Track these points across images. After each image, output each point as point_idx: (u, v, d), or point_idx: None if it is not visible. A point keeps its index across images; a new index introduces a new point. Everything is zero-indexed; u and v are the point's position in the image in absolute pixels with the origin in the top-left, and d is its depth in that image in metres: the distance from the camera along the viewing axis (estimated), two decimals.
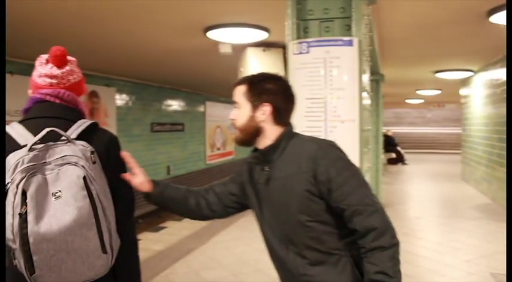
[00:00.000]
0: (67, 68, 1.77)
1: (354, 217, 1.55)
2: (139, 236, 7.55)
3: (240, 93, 1.76)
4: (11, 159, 1.44)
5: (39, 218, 1.39)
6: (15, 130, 1.60)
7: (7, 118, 6.39)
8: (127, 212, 1.65)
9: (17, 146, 1.50)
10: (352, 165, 1.66)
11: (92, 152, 1.49)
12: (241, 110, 1.75)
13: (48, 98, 1.68)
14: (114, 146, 1.65)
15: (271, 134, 1.72)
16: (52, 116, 1.63)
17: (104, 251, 1.46)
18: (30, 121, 1.64)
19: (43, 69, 1.74)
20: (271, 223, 1.75)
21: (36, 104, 1.69)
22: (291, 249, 1.68)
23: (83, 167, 1.43)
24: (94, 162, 1.48)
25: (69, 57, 1.79)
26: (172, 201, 1.88)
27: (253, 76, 1.79)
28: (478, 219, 7.15)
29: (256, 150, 1.79)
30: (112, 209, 1.53)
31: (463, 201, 8.95)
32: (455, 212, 7.89)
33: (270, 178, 1.71)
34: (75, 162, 1.43)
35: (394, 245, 1.54)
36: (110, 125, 9.02)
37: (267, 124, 1.72)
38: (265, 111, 1.70)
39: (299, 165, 1.62)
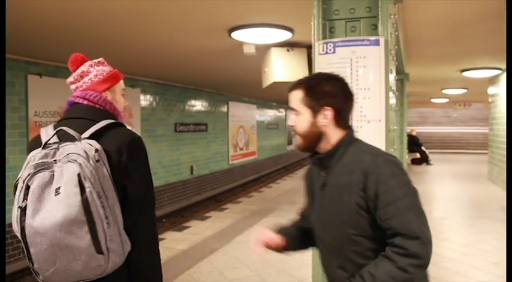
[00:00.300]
0: (78, 70, 1.87)
1: (393, 238, 1.47)
2: (163, 236, 7.62)
3: (296, 99, 1.66)
4: (28, 157, 1.56)
5: (36, 212, 1.48)
6: (46, 130, 1.69)
7: (36, 119, 6.54)
8: (137, 214, 1.62)
9: (40, 145, 1.59)
10: (407, 185, 1.54)
11: (96, 150, 1.51)
12: (300, 117, 1.66)
13: (77, 100, 1.78)
14: (128, 147, 1.62)
15: (332, 138, 1.65)
16: (77, 116, 1.71)
17: (99, 251, 1.47)
18: (61, 122, 1.73)
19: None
20: (320, 229, 1.72)
21: (69, 106, 1.80)
22: (334, 258, 1.65)
23: (80, 164, 1.46)
24: (97, 161, 1.50)
25: (91, 61, 1.92)
26: (299, 245, 1.93)
27: (309, 79, 1.70)
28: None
29: (314, 154, 1.71)
30: (118, 209, 1.54)
31: (491, 202, 8.77)
32: (482, 213, 7.74)
33: (325, 184, 1.66)
34: (75, 160, 1.47)
35: (410, 274, 1.44)
36: (135, 126, 9.14)
37: (328, 128, 1.64)
38: (326, 115, 1.63)
39: (351, 176, 1.56)
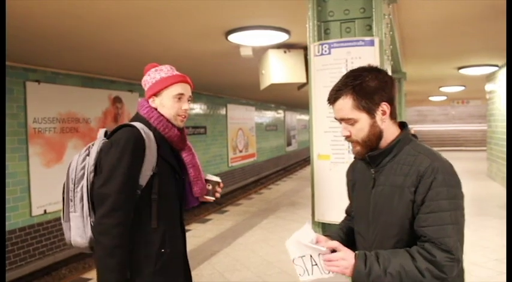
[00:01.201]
0: (143, 78, 2.15)
1: (425, 243, 1.44)
2: None
3: (347, 107, 1.54)
4: None
5: None
6: None
7: (35, 125, 6.57)
8: (95, 205, 1.88)
9: None
10: (457, 199, 1.47)
11: (89, 147, 1.99)
12: (358, 124, 1.54)
13: None
14: (112, 142, 1.92)
15: (389, 133, 1.58)
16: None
17: (64, 219, 1.96)
18: None
19: None
20: (363, 227, 1.67)
21: None
22: None
23: (82, 158, 1.96)
24: (88, 155, 1.95)
25: (151, 70, 2.13)
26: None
27: (349, 81, 1.55)
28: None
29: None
30: (85, 195, 1.90)
31: (490, 199, 8.79)
32: (482, 210, 7.76)
33: (374, 182, 1.60)
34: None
35: (423, 278, 1.41)
36: None
37: (386, 123, 1.56)
38: (384, 110, 1.54)
39: (405, 179, 1.50)
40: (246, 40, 5.18)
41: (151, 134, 2.00)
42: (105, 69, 7.49)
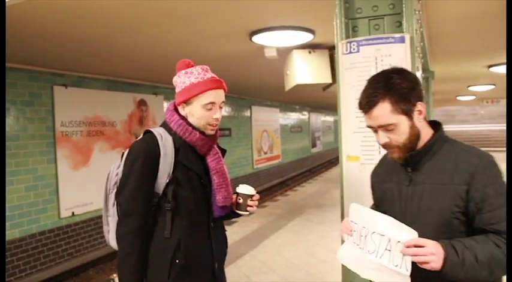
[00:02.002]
0: (174, 77, 2.03)
1: (497, 232, 1.42)
2: None
3: (385, 113, 1.50)
4: None
5: None
6: None
7: (63, 129, 6.67)
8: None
9: None
10: (505, 187, 1.48)
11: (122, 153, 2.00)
12: (398, 129, 1.51)
13: None
14: (126, 154, 1.96)
15: (424, 133, 1.56)
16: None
17: (104, 222, 2.03)
18: None
19: None
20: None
21: None
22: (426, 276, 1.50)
23: (117, 165, 2.02)
24: (119, 166, 1.99)
25: (181, 71, 2.00)
26: None
27: (380, 87, 1.51)
28: None
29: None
30: (111, 201, 1.98)
31: None
32: None
33: (412, 181, 1.58)
34: None
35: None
36: None
37: (421, 124, 1.56)
38: (420, 110, 1.53)
39: (452, 176, 1.48)
40: (270, 41, 5.14)
41: (170, 139, 1.94)
42: (130, 72, 7.55)
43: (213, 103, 1.93)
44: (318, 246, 6.08)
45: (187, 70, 1.98)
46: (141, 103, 8.69)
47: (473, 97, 17.77)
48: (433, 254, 1.37)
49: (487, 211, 1.43)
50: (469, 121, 28.33)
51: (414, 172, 1.57)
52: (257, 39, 5.05)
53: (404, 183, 1.60)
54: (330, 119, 25.38)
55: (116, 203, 1.94)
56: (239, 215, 2.12)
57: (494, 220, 1.42)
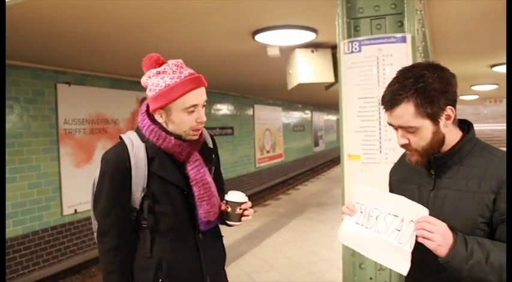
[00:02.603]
0: (143, 77, 1.78)
1: None
2: None
3: (409, 115, 1.37)
4: None
5: None
6: None
7: (66, 127, 6.68)
8: None
9: None
10: (507, 179, 1.35)
11: None
12: (420, 132, 1.39)
13: None
14: None
15: (451, 136, 1.44)
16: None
17: None
18: None
19: None
20: None
21: None
22: (430, 268, 1.44)
23: None
24: None
25: (151, 70, 1.74)
26: None
27: (410, 84, 1.36)
28: None
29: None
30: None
31: None
32: None
33: (435, 185, 1.46)
34: None
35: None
36: None
37: (448, 128, 1.42)
38: (449, 115, 1.39)
39: (479, 184, 1.36)
40: (273, 40, 5.14)
41: (142, 147, 1.73)
42: (133, 70, 7.54)
43: (195, 105, 1.69)
44: (320, 245, 6.09)
45: (159, 70, 1.69)
46: (143, 101, 8.70)
47: (476, 97, 17.72)
48: (440, 234, 1.29)
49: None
50: (472, 120, 28.17)
51: (438, 175, 1.45)
52: (260, 38, 5.06)
53: (427, 187, 1.48)
54: (332, 118, 25.35)
55: None
56: (230, 225, 1.90)
57: None
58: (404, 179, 1.60)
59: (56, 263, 6.79)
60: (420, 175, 1.51)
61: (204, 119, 1.74)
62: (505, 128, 24.50)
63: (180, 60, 1.73)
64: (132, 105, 8.38)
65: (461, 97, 17.83)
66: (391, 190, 1.68)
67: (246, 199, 1.82)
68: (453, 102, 1.41)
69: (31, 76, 6.42)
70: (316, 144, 21.72)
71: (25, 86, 6.34)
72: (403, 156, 1.65)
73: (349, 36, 2.58)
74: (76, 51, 5.64)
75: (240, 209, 1.80)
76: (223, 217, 1.85)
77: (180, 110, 1.68)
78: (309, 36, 5.05)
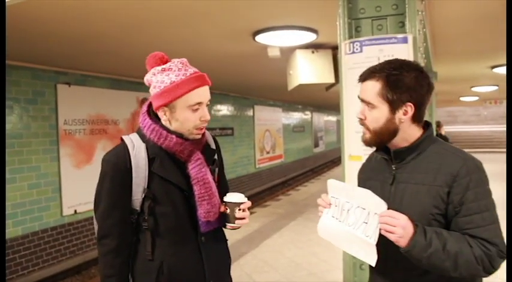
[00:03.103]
0: (146, 75, 1.75)
1: (477, 237, 1.40)
2: None
3: (372, 91, 1.49)
4: None
5: None
6: None
7: (66, 127, 6.67)
8: None
9: None
10: (491, 197, 1.46)
11: None
12: (375, 111, 1.50)
13: None
14: None
15: (408, 135, 1.52)
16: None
17: None
18: None
19: None
20: None
21: None
22: (393, 259, 1.52)
23: None
24: None
25: (157, 68, 1.71)
26: None
27: (387, 68, 1.49)
28: None
29: (380, 149, 1.60)
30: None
31: None
32: None
33: (395, 179, 1.55)
34: None
35: (478, 265, 1.38)
36: None
37: (405, 124, 1.50)
38: (407, 111, 1.48)
39: (434, 178, 1.45)
40: (274, 40, 5.14)
41: (143, 147, 1.72)
42: (133, 71, 7.56)
43: (200, 103, 1.68)
44: (320, 245, 6.08)
45: (164, 66, 1.68)
46: (144, 102, 8.69)
47: (477, 98, 17.73)
48: (401, 227, 1.37)
49: (463, 215, 1.41)
50: (472, 122, 28.25)
51: (398, 171, 1.55)
52: (260, 38, 5.06)
53: (388, 182, 1.57)
54: (332, 119, 25.36)
55: None
56: (230, 228, 1.85)
57: (470, 225, 1.40)
58: (369, 177, 1.70)
59: (56, 263, 6.78)
60: (383, 172, 1.61)
61: (208, 117, 1.73)
62: (505, 129, 24.53)
63: (184, 59, 1.72)
64: (132, 106, 8.37)
65: (461, 98, 17.86)
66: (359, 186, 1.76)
67: (244, 200, 1.79)
68: (416, 102, 1.48)
69: (31, 76, 6.42)
70: (316, 145, 21.72)
71: (25, 86, 6.34)
72: (371, 155, 1.78)
73: (350, 37, 2.58)
74: (76, 51, 5.64)
75: (239, 209, 1.77)
76: (224, 220, 1.82)
77: (184, 107, 1.67)
78: (310, 37, 5.05)
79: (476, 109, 27.52)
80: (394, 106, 1.48)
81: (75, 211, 7.03)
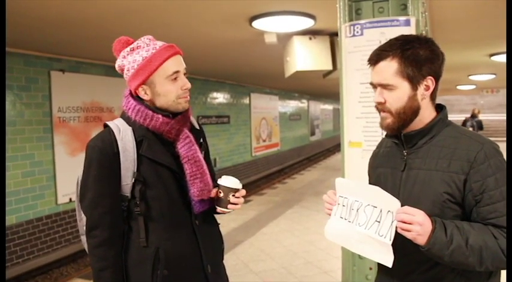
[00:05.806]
0: (117, 62, 1.75)
1: (494, 230, 1.31)
2: None
3: (389, 71, 1.39)
4: None
5: None
6: None
7: (60, 115, 6.59)
8: None
9: None
10: (507, 178, 1.35)
11: None
12: (395, 92, 1.40)
13: None
14: None
15: (426, 114, 1.44)
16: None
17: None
18: None
19: None
20: None
21: None
22: (404, 248, 1.40)
23: None
24: None
25: (125, 50, 1.72)
26: None
27: (398, 45, 1.40)
28: None
29: (391, 135, 1.51)
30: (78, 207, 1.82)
31: None
32: None
33: (407, 165, 1.46)
34: None
35: (502, 257, 1.29)
36: None
37: (425, 101, 1.42)
38: (428, 85, 1.40)
39: (449, 163, 1.36)
40: (271, 26, 5.06)
41: (129, 130, 1.66)
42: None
43: (177, 72, 1.66)
44: (317, 234, 6.06)
45: (132, 46, 1.68)
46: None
47: (473, 86, 17.71)
48: (419, 224, 1.28)
49: (485, 204, 1.31)
50: (468, 111, 28.24)
51: (410, 156, 1.46)
52: (257, 24, 4.97)
53: (399, 168, 1.49)
54: (329, 107, 25.31)
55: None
56: (218, 213, 1.82)
57: (494, 214, 1.30)
58: (379, 164, 1.61)
59: (51, 252, 6.74)
60: (394, 158, 1.52)
61: (189, 85, 1.69)
62: (502, 118, 24.57)
63: (150, 36, 1.72)
64: None
65: (457, 87, 17.82)
66: (369, 178, 1.69)
67: (240, 186, 1.75)
68: (436, 75, 1.41)
69: (24, 63, 6.31)
70: (313, 134, 21.69)
71: (18, 73, 6.23)
72: (381, 142, 1.70)
73: (350, 20, 2.51)
74: (70, 37, 5.53)
75: (233, 195, 1.73)
76: (214, 203, 1.77)
77: (163, 79, 1.64)
78: (307, 23, 4.97)
79: (473, 98, 27.52)
80: (415, 82, 1.39)
81: (70, 199, 6.97)
